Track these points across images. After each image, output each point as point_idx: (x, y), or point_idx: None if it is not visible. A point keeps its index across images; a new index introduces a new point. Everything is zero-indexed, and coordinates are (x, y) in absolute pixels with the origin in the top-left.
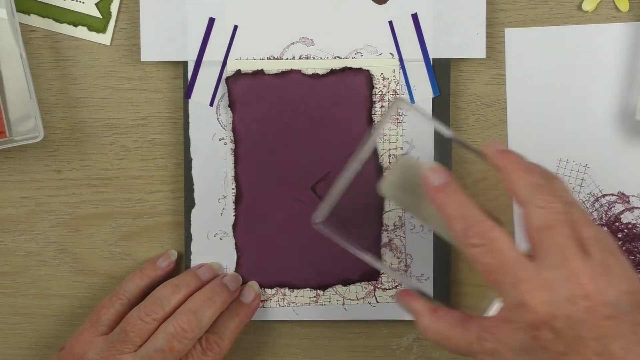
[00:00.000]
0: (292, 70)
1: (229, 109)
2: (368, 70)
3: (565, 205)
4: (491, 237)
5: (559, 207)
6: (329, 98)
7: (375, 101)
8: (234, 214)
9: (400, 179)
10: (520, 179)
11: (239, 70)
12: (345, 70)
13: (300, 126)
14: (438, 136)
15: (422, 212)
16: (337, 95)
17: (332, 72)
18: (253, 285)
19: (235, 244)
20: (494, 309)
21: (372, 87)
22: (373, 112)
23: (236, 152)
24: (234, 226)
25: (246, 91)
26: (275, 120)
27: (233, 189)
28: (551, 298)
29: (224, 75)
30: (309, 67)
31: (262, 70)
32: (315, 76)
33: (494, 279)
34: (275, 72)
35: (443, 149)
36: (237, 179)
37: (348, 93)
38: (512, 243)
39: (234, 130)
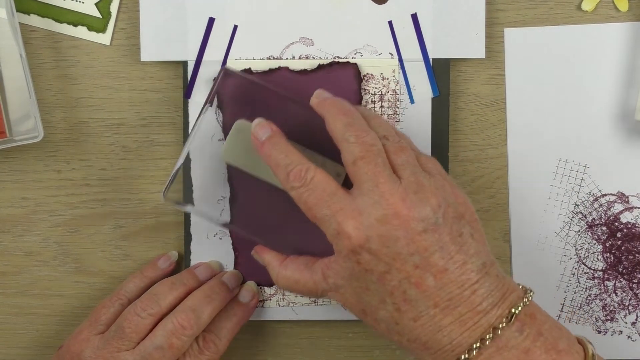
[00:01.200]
0: (280, 68)
1: (219, 109)
2: (356, 64)
3: (375, 138)
4: (308, 177)
5: (369, 139)
6: None
7: (364, 95)
8: (230, 213)
9: (237, 143)
10: (337, 121)
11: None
12: (333, 64)
13: (291, 123)
14: (436, 131)
15: (263, 171)
16: (326, 90)
17: (320, 67)
18: (251, 285)
19: (233, 243)
20: None
21: (360, 80)
22: (364, 106)
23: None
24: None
25: (234, 90)
26: (265, 118)
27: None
28: (363, 221)
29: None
30: (298, 64)
31: (249, 68)
32: (304, 72)
33: (314, 215)
34: (262, 69)
35: (441, 143)
36: (230, 178)
37: (337, 87)
38: (329, 179)
39: (224, 130)
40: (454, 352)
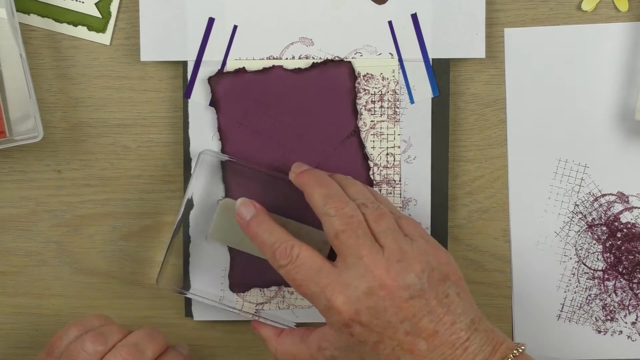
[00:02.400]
0: (274, 67)
1: (213, 108)
2: (350, 62)
3: (354, 208)
4: (294, 254)
5: (348, 210)
6: (313, 92)
7: (359, 93)
8: None
9: (223, 222)
10: (315, 194)
11: (220, 69)
12: (327, 63)
13: (286, 121)
14: (435, 134)
15: (250, 247)
16: (321, 88)
17: (314, 65)
18: (184, 344)
19: (229, 245)
20: None
21: (354, 78)
22: (357, 103)
23: (223, 151)
24: None
25: (229, 90)
26: (260, 117)
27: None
28: (351, 295)
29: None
30: (292, 62)
31: (243, 68)
32: (297, 70)
33: (304, 291)
34: (257, 69)
35: (441, 143)
36: (225, 178)
37: (331, 85)
38: (314, 255)
39: (219, 129)
40: None
